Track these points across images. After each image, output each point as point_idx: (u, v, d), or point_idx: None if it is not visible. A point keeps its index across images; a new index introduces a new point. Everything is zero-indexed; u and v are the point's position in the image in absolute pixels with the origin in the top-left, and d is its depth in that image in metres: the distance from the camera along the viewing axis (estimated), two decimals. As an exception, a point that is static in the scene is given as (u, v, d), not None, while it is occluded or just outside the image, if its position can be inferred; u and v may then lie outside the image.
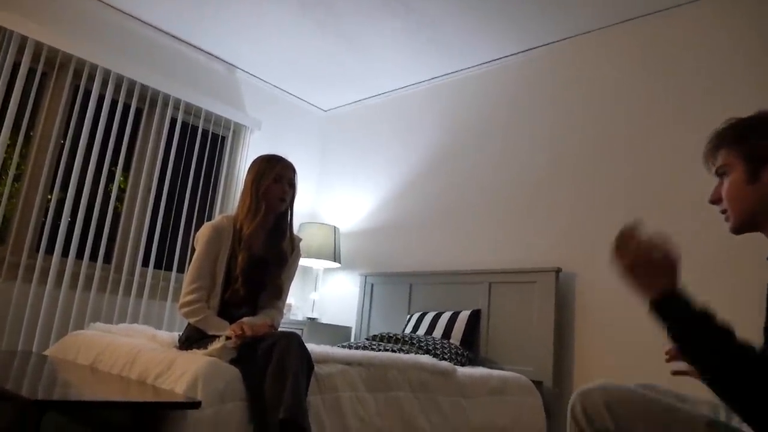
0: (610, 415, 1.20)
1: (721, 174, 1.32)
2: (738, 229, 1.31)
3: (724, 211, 1.33)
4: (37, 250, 3.28)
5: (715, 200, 1.34)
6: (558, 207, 3.42)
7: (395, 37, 3.82)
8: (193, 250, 2.28)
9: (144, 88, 3.82)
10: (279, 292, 2.34)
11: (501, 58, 3.93)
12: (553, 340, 3.11)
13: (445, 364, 2.65)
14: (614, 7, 3.27)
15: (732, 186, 1.28)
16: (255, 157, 2.41)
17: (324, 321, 4.37)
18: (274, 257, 2.32)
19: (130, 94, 3.76)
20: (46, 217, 3.37)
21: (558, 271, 3.21)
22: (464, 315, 3.43)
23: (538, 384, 3.02)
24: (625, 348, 2.94)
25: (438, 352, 3.08)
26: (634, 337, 2.92)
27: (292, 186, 2.33)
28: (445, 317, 3.47)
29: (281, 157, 2.36)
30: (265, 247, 2.30)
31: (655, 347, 2.97)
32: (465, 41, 3.79)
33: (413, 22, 3.63)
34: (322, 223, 4.45)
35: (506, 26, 3.57)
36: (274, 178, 2.27)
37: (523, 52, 3.81)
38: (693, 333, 1.08)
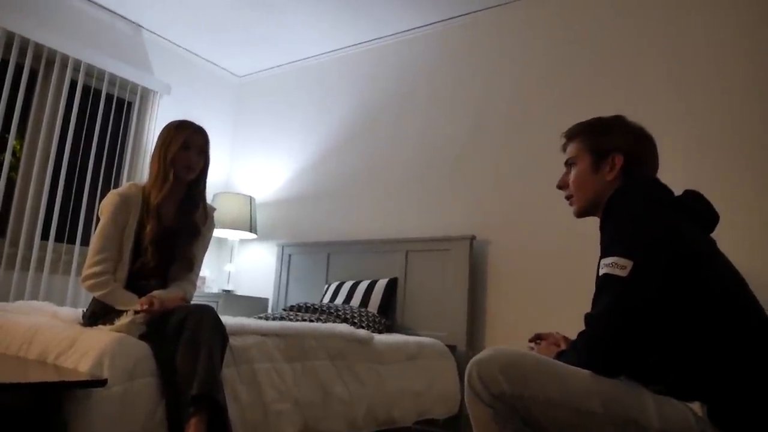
0: (505, 378, 1.28)
1: (569, 164, 1.55)
2: (580, 213, 1.54)
3: (569, 197, 1.55)
4: None
5: (562, 186, 1.56)
6: (474, 177, 3.50)
7: (314, 1, 3.72)
8: (98, 220, 2.16)
9: (39, 48, 3.52)
10: (191, 264, 2.26)
11: (422, 26, 3.92)
12: (467, 305, 3.21)
13: (362, 332, 2.68)
14: None
15: (578, 175, 1.50)
16: (164, 123, 2.30)
17: (240, 293, 4.30)
18: (186, 228, 2.23)
19: (22, 54, 3.46)
20: (-73, 187, 3.07)
21: (472, 238, 3.31)
22: (381, 283, 3.47)
23: (452, 348, 3.13)
24: (534, 311, 3.09)
25: (356, 321, 3.11)
26: (542, 302, 3.08)
27: (203, 153, 2.24)
28: (363, 286, 3.50)
29: (191, 122, 2.25)
30: (176, 218, 2.22)
31: (560, 311, 3.15)
32: (386, 8, 3.75)
33: (330, -13, 3.54)
34: (237, 193, 4.34)
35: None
36: (182, 145, 2.17)
37: (444, 20, 3.82)
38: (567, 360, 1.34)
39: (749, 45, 2.77)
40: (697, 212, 1.44)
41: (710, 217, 1.45)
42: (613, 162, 1.46)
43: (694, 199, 1.45)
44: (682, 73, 2.92)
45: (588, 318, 1.34)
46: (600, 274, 1.34)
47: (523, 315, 3.13)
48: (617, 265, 1.28)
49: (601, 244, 1.38)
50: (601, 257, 1.34)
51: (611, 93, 3.08)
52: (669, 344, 1.31)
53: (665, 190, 1.46)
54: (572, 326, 2.77)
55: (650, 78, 3.00)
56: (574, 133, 1.55)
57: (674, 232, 1.32)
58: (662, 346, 1.31)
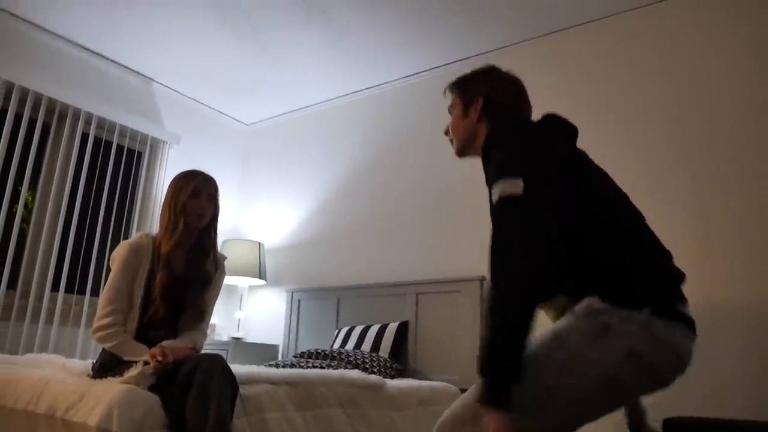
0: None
1: (450, 113, 1.72)
2: (459, 153, 1.70)
3: (451, 140, 1.72)
4: (-69, 278, 3.02)
5: (447, 132, 1.73)
6: (480, 216, 3.48)
7: (316, 49, 3.81)
8: (109, 270, 2.16)
9: (52, 102, 3.61)
10: (202, 314, 2.24)
11: (425, 70, 3.99)
12: (479, 347, 3.15)
13: (374, 377, 2.64)
14: (530, 21, 3.41)
15: (453, 120, 1.69)
16: (174, 172, 2.32)
17: (250, 340, 4.26)
18: (197, 277, 2.23)
19: (36, 108, 3.55)
20: (-60, 241, 3.11)
21: (482, 279, 3.28)
22: (392, 327, 3.43)
23: (465, 392, 3.06)
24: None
25: (367, 366, 3.06)
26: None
27: (213, 201, 2.25)
28: (374, 330, 3.46)
29: (200, 171, 2.28)
30: (187, 267, 2.21)
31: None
32: (386, 54, 3.83)
33: (334, 34, 3.63)
34: (246, 240, 4.35)
35: (425, 41, 3.64)
36: (192, 193, 2.18)
37: (447, 64, 3.89)
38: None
39: None
40: (562, 128, 1.55)
41: (572, 132, 1.57)
42: (476, 105, 1.62)
43: (554, 119, 1.57)
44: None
45: (494, 245, 1.33)
46: (493, 200, 1.38)
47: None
48: (509, 186, 1.32)
49: (487, 182, 1.46)
50: (491, 187, 1.40)
51: (615, 133, 3.10)
52: (567, 249, 1.35)
53: (531, 121, 1.62)
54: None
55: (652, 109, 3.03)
56: (450, 87, 1.74)
57: (550, 147, 1.44)
58: (561, 253, 1.34)
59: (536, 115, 1.60)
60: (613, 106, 3.19)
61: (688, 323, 1.32)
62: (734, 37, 2.91)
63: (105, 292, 2.09)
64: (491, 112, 1.61)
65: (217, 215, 2.29)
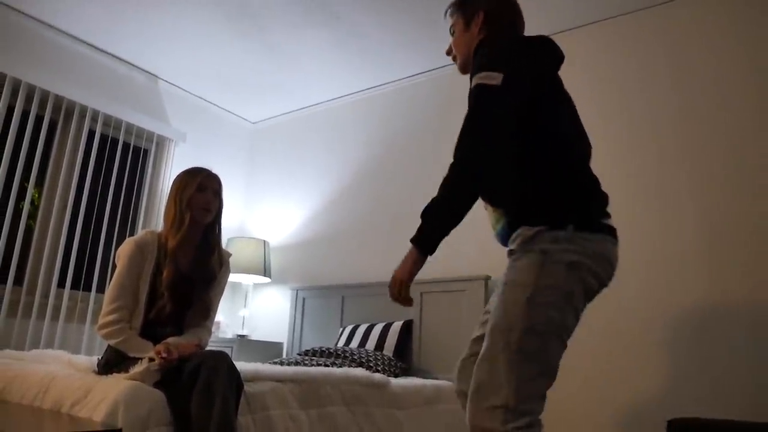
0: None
1: (452, 33, 1.83)
2: (463, 68, 1.79)
3: (454, 58, 1.82)
4: (-62, 273, 3.04)
5: (449, 51, 1.85)
6: (485, 216, 3.49)
7: (323, 47, 3.81)
8: (115, 267, 2.17)
9: (58, 99, 3.63)
10: (206, 311, 2.25)
11: (431, 70, 3.99)
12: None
13: (378, 376, 2.64)
14: (536, 21, 3.39)
15: (456, 37, 1.80)
16: (180, 170, 2.33)
17: (254, 338, 4.27)
18: (202, 274, 2.23)
19: (42, 105, 3.56)
20: (-53, 237, 3.12)
21: (487, 279, 3.28)
22: (396, 326, 3.43)
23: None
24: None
25: (371, 365, 3.07)
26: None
27: (218, 196, 2.26)
28: (378, 329, 3.46)
29: (204, 168, 2.29)
30: (193, 264, 2.22)
31: (577, 346, 3.09)
32: (392, 54, 3.83)
33: (341, 33, 3.63)
34: (251, 238, 4.36)
35: (431, 40, 3.63)
36: (198, 188, 2.19)
37: (448, 65, 3.88)
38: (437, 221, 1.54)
39: None
40: (551, 50, 1.63)
41: (559, 57, 1.64)
42: (477, 19, 1.73)
43: (547, 40, 1.64)
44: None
45: (467, 125, 1.49)
46: (472, 86, 1.49)
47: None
48: (489, 77, 1.45)
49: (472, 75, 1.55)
50: (473, 74, 1.51)
51: (621, 133, 3.09)
52: (513, 160, 1.51)
53: (523, 36, 1.74)
54: (584, 360, 2.72)
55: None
56: (451, 8, 1.84)
57: (534, 61, 1.56)
58: (506, 163, 1.51)
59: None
60: (620, 105, 3.18)
61: (612, 233, 1.50)
62: (744, 36, 2.89)
63: (110, 289, 2.10)
64: (491, 25, 1.72)
65: (221, 212, 2.30)
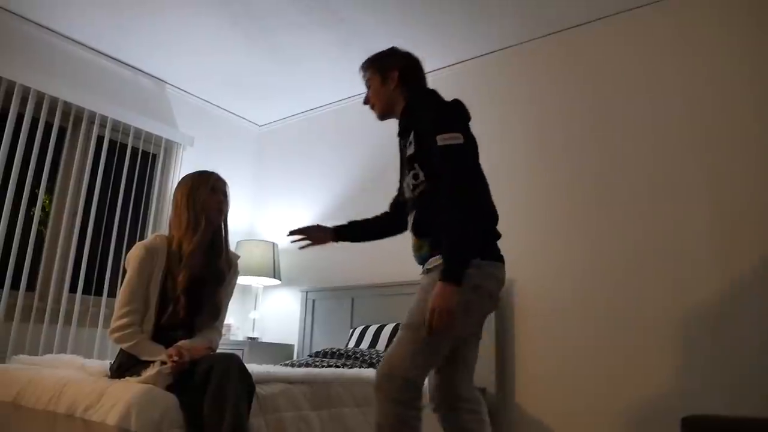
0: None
1: (368, 86, 2.12)
2: (382, 116, 2.14)
3: (372, 107, 2.13)
4: (-48, 280, 3.07)
5: (366, 101, 2.15)
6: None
7: (327, 50, 3.81)
8: (125, 272, 2.18)
9: (67, 106, 3.66)
10: (217, 313, 2.25)
11: (436, 70, 3.98)
12: (495, 346, 3.15)
13: (389, 376, 2.63)
14: (539, 20, 3.39)
15: (374, 90, 2.09)
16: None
17: (265, 340, 4.28)
18: (213, 276, 2.23)
19: (52, 113, 3.59)
20: (-40, 245, 3.15)
21: (496, 278, 3.26)
22: (407, 326, 3.42)
23: (482, 391, 3.05)
24: (563, 347, 3.02)
25: (382, 365, 3.06)
26: (570, 337, 3.01)
27: (227, 198, 2.27)
28: (388, 329, 3.46)
29: (211, 171, 2.30)
30: (203, 266, 2.22)
31: (589, 344, 3.08)
32: (398, 54, 3.82)
33: (345, 35, 3.64)
34: (260, 240, 4.37)
35: (435, 40, 3.63)
36: (211, 189, 2.20)
37: (454, 64, 3.89)
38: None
39: None
40: (467, 111, 1.95)
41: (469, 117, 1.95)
42: (393, 76, 2.05)
43: (462, 104, 1.96)
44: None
45: (448, 172, 1.78)
46: (440, 145, 1.79)
47: (553, 352, 3.06)
48: (453, 137, 1.80)
49: (415, 131, 1.93)
50: (436, 134, 1.80)
51: (620, 132, 3.08)
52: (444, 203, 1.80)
53: (453, 100, 1.99)
54: (599, 357, 2.71)
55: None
56: (366, 65, 2.13)
57: (466, 117, 1.93)
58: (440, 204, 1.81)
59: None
60: (626, 103, 3.16)
61: (502, 260, 1.90)
62: (750, 34, 2.87)
63: (121, 293, 2.10)
64: (407, 82, 2.05)
65: (227, 213, 2.31)
